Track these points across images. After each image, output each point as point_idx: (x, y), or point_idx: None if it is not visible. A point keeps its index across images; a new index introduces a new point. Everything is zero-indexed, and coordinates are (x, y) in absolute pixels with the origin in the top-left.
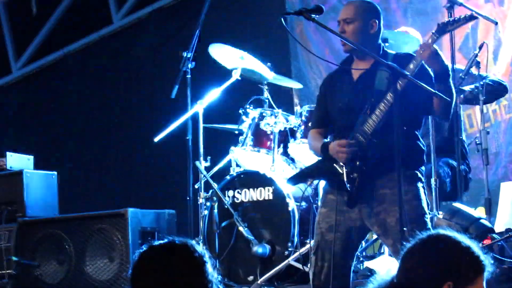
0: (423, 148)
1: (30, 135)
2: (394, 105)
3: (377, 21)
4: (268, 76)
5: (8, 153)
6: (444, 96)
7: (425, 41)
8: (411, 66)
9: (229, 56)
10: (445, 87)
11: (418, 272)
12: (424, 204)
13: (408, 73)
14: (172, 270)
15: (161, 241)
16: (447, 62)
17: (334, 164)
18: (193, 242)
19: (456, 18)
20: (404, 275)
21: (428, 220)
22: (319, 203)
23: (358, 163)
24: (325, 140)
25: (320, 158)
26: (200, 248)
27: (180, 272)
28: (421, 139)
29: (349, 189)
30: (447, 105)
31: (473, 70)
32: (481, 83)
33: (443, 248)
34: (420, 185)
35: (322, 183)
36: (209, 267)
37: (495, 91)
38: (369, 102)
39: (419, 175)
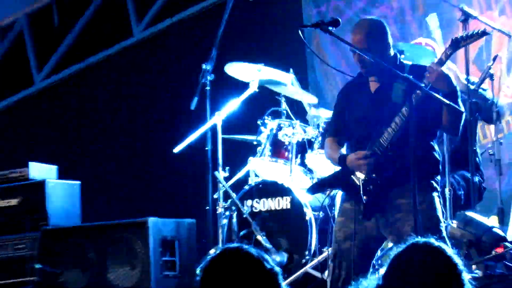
0: (438, 158)
1: (53, 145)
2: (409, 119)
3: (389, 40)
4: (287, 81)
5: (30, 163)
6: (455, 106)
7: (431, 64)
8: (425, 81)
9: (245, 71)
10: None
11: (412, 282)
12: (439, 213)
13: (424, 85)
14: (246, 276)
15: (232, 246)
16: (455, 82)
17: (351, 176)
18: (265, 254)
19: (469, 33)
20: (393, 282)
21: (443, 229)
22: (336, 213)
23: (374, 175)
24: (341, 149)
25: (336, 166)
26: (271, 261)
27: (252, 282)
28: (436, 149)
29: (364, 201)
30: (456, 119)
31: (487, 83)
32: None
33: (439, 262)
34: (435, 194)
35: (339, 193)
36: (283, 284)
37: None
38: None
39: (435, 184)
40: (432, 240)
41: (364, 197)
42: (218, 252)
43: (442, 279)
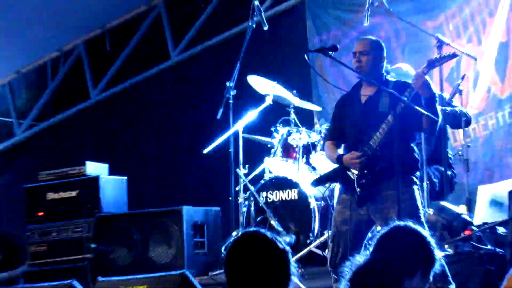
0: (417, 158)
1: (105, 148)
2: (394, 124)
3: (384, 56)
4: (293, 100)
5: (87, 162)
6: (432, 116)
7: (418, 72)
8: (407, 93)
9: (262, 84)
10: (432, 110)
11: (391, 256)
12: (419, 203)
13: (406, 98)
14: (262, 255)
15: (251, 230)
16: (436, 90)
17: (347, 172)
18: (278, 236)
19: (442, 56)
20: (377, 256)
21: (421, 215)
22: (335, 202)
23: (365, 171)
24: (339, 150)
25: (334, 164)
26: (283, 242)
27: (267, 257)
28: (416, 150)
29: (358, 193)
30: (433, 123)
31: (456, 98)
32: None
33: (414, 240)
34: (415, 187)
35: (337, 186)
36: (292, 260)
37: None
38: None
39: (415, 179)
40: (411, 223)
41: (358, 189)
42: (239, 234)
43: (417, 254)
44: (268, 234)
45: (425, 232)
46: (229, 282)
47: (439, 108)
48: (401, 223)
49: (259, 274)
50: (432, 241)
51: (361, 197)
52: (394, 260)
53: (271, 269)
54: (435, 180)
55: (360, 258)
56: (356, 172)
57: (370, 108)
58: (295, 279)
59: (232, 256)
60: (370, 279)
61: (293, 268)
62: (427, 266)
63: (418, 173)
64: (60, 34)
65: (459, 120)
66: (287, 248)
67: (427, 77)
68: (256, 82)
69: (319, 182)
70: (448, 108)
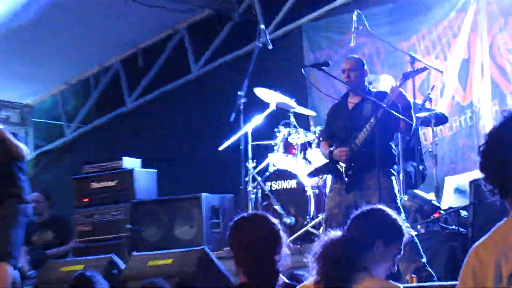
0: (395, 153)
1: (138, 146)
2: (375, 126)
3: (366, 70)
4: (293, 107)
5: (123, 157)
6: (407, 119)
7: (393, 86)
8: (386, 100)
9: (267, 94)
10: (408, 114)
11: (359, 229)
12: (396, 191)
13: (385, 105)
14: (256, 230)
15: (249, 212)
16: (410, 98)
17: (337, 165)
18: (272, 217)
19: (415, 69)
20: (349, 231)
21: (398, 201)
22: (327, 190)
23: (352, 164)
24: (331, 148)
25: (327, 160)
26: (275, 221)
27: (261, 232)
28: (394, 147)
29: (346, 182)
30: (408, 126)
31: (427, 104)
32: (433, 113)
33: (378, 217)
34: (393, 178)
35: (329, 177)
36: (282, 235)
37: (441, 119)
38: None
39: (393, 171)
40: (382, 206)
41: (346, 179)
42: (240, 215)
43: (378, 226)
44: (264, 213)
45: (391, 211)
46: (232, 248)
47: (413, 113)
48: (375, 206)
49: (255, 243)
50: (398, 218)
51: (348, 185)
52: (357, 234)
53: (264, 238)
54: (410, 171)
55: (334, 233)
56: (344, 165)
57: (356, 113)
58: (286, 250)
59: (234, 231)
60: (333, 252)
61: (284, 239)
62: (388, 236)
63: (395, 166)
64: (101, 52)
65: (429, 121)
66: (279, 225)
67: (401, 89)
68: (262, 93)
69: (314, 173)
70: (421, 114)
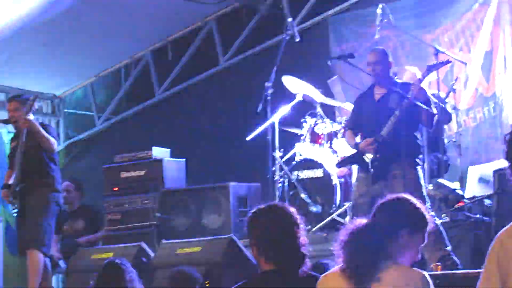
0: (420, 144)
1: (167, 136)
2: (400, 117)
3: (391, 62)
4: (319, 97)
5: (153, 147)
6: (429, 109)
7: (415, 81)
8: (410, 92)
9: (294, 84)
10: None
11: (383, 218)
12: (421, 180)
13: (409, 96)
14: (277, 217)
15: (266, 203)
16: (430, 93)
17: (363, 156)
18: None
19: (439, 62)
20: (374, 220)
21: (423, 190)
22: (353, 179)
23: (377, 155)
24: (356, 138)
25: (353, 149)
26: (293, 210)
27: (282, 219)
28: (419, 138)
29: (372, 172)
30: (430, 119)
31: (451, 95)
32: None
33: (402, 206)
34: (418, 168)
35: (355, 167)
36: (300, 223)
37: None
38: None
39: (418, 161)
40: (407, 195)
41: (372, 170)
42: (257, 206)
43: (402, 215)
44: (284, 205)
45: (416, 201)
46: (253, 237)
47: (434, 108)
48: (400, 195)
49: (277, 229)
50: (422, 207)
51: (374, 176)
52: (382, 222)
53: (285, 225)
54: (434, 167)
55: (360, 221)
56: (370, 156)
57: (382, 104)
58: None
59: (255, 217)
60: (359, 240)
61: (303, 231)
62: (413, 225)
63: (420, 156)
64: (131, 45)
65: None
66: (297, 215)
67: (422, 85)
68: (289, 82)
69: (341, 164)
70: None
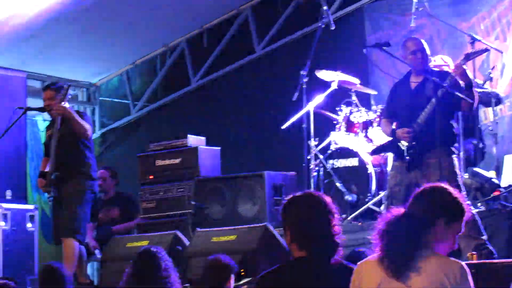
0: (456, 132)
1: (203, 124)
2: (436, 106)
3: (428, 51)
4: (354, 85)
5: (188, 135)
6: (468, 99)
7: (457, 63)
8: (448, 80)
9: (329, 75)
10: (469, 93)
11: (420, 207)
12: (456, 169)
13: (446, 84)
14: (312, 204)
15: (302, 192)
16: (471, 76)
17: (399, 144)
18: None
19: (476, 50)
20: (411, 209)
21: (459, 179)
22: (389, 168)
23: (413, 143)
24: (392, 126)
25: (389, 137)
26: (328, 199)
27: (317, 206)
28: (455, 126)
29: (407, 160)
30: (471, 104)
31: (487, 83)
32: (493, 93)
33: (439, 195)
34: (454, 156)
35: (391, 155)
36: (335, 212)
37: (500, 100)
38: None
39: (454, 149)
40: (444, 185)
41: (407, 158)
42: (296, 194)
43: (440, 204)
44: (319, 193)
45: (452, 190)
46: (288, 224)
47: (475, 91)
48: (436, 184)
49: (312, 216)
50: (459, 197)
51: (410, 164)
52: (419, 212)
53: (321, 212)
54: (470, 148)
55: (397, 210)
56: (406, 144)
57: (418, 92)
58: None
59: (291, 204)
60: (396, 229)
61: (337, 220)
62: (449, 215)
63: (456, 145)
64: (167, 33)
65: (489, 100)
66: (331, 204)
67: (465, 66)
68: (324, 74)
69: (376, 151)
70: (479, 90)
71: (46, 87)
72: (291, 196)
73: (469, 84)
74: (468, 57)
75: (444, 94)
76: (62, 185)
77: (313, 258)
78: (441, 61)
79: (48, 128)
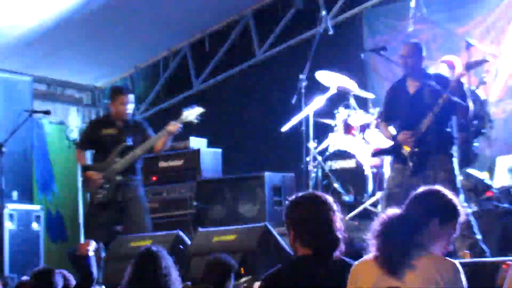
0: (456, 136)
1: (205, 126)
2: (438, 113)
3: (423, 55)
4: (352, 89)
5: (190, 137)
6: (463, 103)
7: (452, 78)
8: (447, 90)
9: (328, 77)
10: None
11: (415, 208)
12: (456, 172)
13: (447, 92)
14: (315, 204)
15: (305, 192)
16: (466, 89)
17: (400, 149)
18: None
19: (477, 61)
20: (407, 210)
21: (458, 183)
22: (385, 170)
23: (416, 149)
24: (390, 129)
25: (390, 142)
26: (330, 198)
27: (320, 205)
28: (453, 131)
29: (411, 166)
30: (465, 111)
31: (481, 87)
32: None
33: (434, 196)
34: (454, 159)
35: (388, 157)
36: (337, 210)
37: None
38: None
39: (453, 153)
40: (440, 187)
41: (410, 164)
42: (296, 194)
43: (434, 205)
44: (322, 193)
45: (448, 192)
46: (291, 223)
47: (469, 101)
48: (433, 186)
49: (316, 214)
50: (454, 199)
51: (413, 170)
52: (414, 212)
53: (323, 210)
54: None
55: (393, 210)
56: (408, 149)
57: (417, 99)
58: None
59: (294, 204)
60: (392, 229)
61: (339, 217)
62: (444, 216)
63: (455, 148)
64: (170, 37)
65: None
66: (333, 203)
67: (463, 79)
68: (323, 76)
69: (377, 154)
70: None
71: (130, 91)
72: (294, 196)
73: (463, 97)
74: (470, 67)
75: (446, 101)
76: (127, 190)
77: (316, 256)
78: (445, 68)
79: (105, 126)
